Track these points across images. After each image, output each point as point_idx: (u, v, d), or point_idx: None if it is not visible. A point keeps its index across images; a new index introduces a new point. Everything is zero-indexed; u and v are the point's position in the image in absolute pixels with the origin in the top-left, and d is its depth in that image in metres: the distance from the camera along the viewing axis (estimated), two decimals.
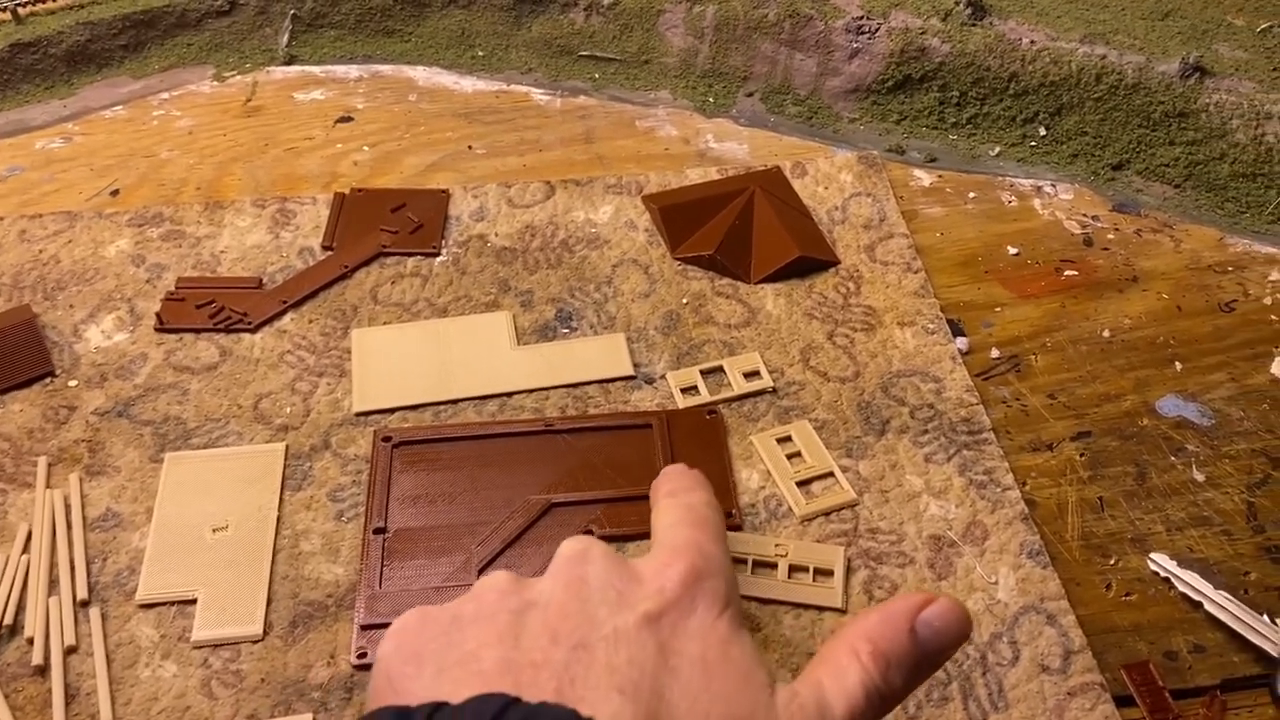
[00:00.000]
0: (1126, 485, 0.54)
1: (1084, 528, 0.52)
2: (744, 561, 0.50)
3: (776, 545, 0.50)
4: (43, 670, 0.46)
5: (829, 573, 0.49)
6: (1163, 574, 0.50)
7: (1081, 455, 0.55)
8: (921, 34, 0.73)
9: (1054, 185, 0.71)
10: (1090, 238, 0.67)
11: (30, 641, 0.46)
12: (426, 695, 0.29)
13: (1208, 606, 0.49)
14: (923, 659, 0.33)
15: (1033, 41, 0.72)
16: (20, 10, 0.77)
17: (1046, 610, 0.48)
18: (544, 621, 0.32)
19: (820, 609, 0.48)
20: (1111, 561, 0.51)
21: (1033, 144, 0.73)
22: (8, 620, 0.47)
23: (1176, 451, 0.55)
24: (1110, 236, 0.67)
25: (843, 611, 0.48)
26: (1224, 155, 0.69)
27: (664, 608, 0.32)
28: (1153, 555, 0.51)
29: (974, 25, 0.73)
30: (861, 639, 0.33)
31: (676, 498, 0.40)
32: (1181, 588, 0.50)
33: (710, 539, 0.37)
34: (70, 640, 0.46)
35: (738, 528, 0.51)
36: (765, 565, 0.50)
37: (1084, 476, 0.54)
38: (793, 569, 0.49)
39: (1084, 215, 0.69)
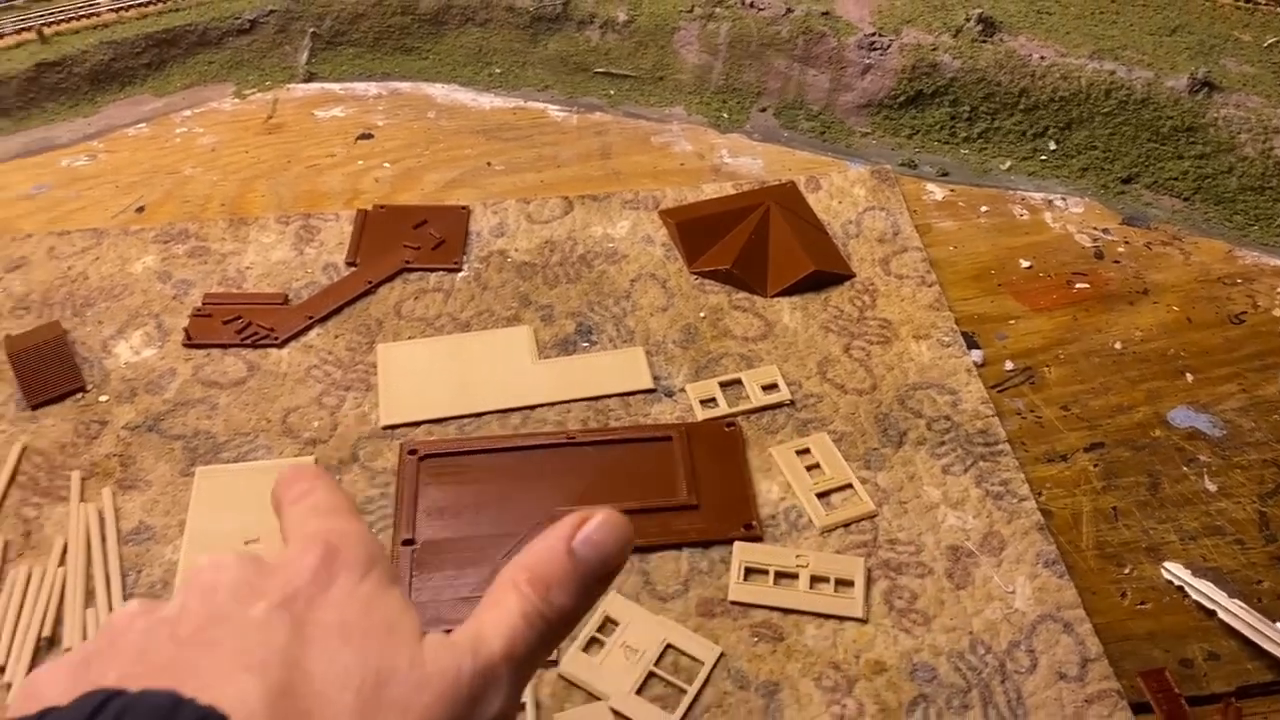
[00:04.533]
0: (1140, 495, 0.55)
1: (1098, 537, 0.53)
2: (765, 572, 0.51)
3: (798, 556, 0.51)
4: None
5: (849, 583, 0.50)
6: (1177, 583, 0.51)
7: (1095, 466, 0.56)
8: (933, 50, 0.74)
9: (1064, 199, 0.72)
10: (1101, 250, 0.68)
11: (69, 652, 0.47)
12: None
13: (1222, 615, 0.50)
14: (589, 575, 0.33)
15: (1043, 58, 0.73)
16: (45, 30, 0.78)
17: (1063, 619, 0.49)
18: (171, 632, 0.31)
19: (841, 619, 0.49)
20: (1126, 570, 0.52)
21: (1043, 158, 0.74)
22: (46, 632, 0.48)
23: (1189, 462, 0.56)
24: (1120, 249, 0.68)
25: (864, 621, 0.49)
26: (1232, 169, 0.70)
27: (297, 590, 0.32)
28: (1166, 564, 0.52)
29: (984, 42, 0.74)
30: (519, 569, 0.33)
31: (299, 504, 0.37)
32: (1195, 596, 0.51)
33: (343, 518, 0.35)
34: None
35: (758, 539, 0.52)
36: (787, 576, 0.51)
37: (1098, 487, 0.55)
38: (814, 579, 0.50)
39: (1094, 228, 0.70)
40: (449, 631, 0.31)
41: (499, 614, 0.32)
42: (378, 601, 0.32)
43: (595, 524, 0.34)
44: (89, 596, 0.50)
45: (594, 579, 0.34)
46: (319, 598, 0.31)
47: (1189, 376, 0.61)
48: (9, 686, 0.46)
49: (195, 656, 0.29)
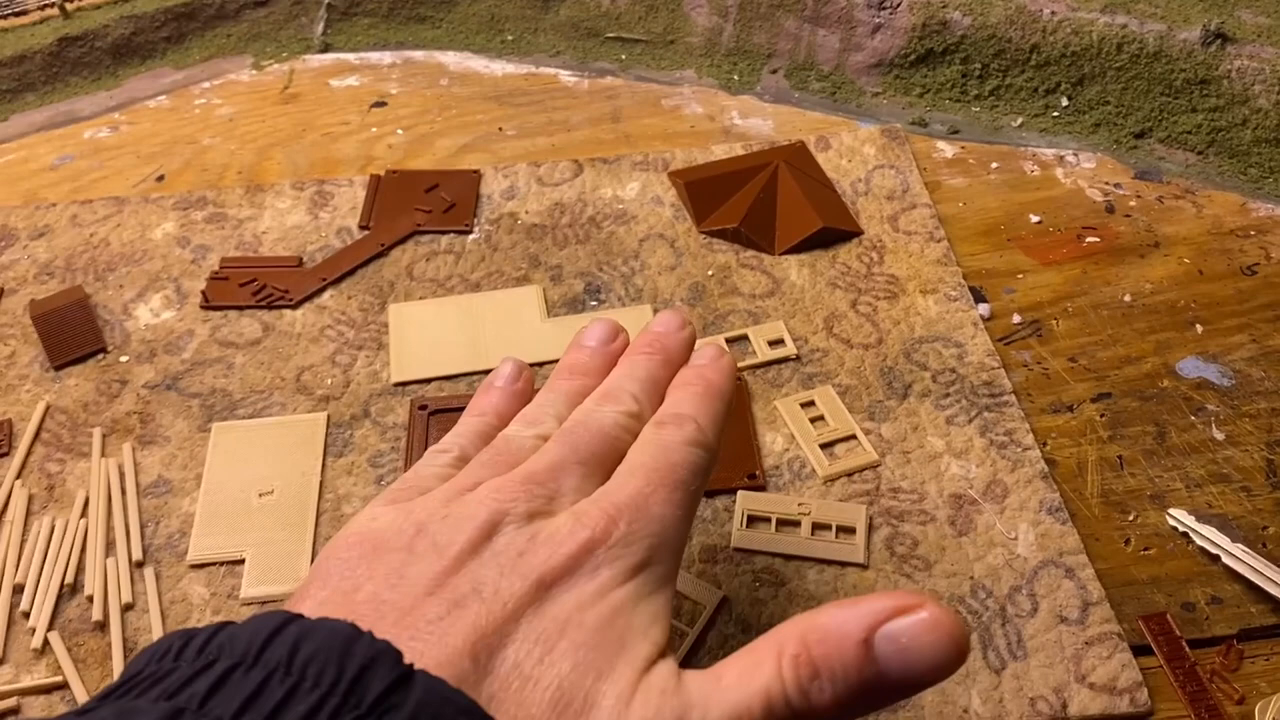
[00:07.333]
0: (1146, 444, 0.55)
1: (1103, 485, 0.53)
2: (768, 520, 0.51)
3: (800, 504, 0.52)
4: (102, 625, 0.48)
5: (851, 530, 0.51)
6: (1181, 529, 0.51)
7: (1102, 416, 0.56)
8: (943, 8, 0.74)
9: (1076, 154, 0.71)
10: (1112, 205, 0.68)
11: (90, 599, 0.49)
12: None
13: (1226, 559, 0.50)
14: (878, 681, 0.26)
15: (1053, 12, 0.73)
16: (67, 5, 0.80)
17: (1065, 564, 0.49)
18: (433, 568, 0.28)
19: (843, 564, 0.50)
20: (1130, 518, 0.52)
21: (1055, 114, 0.74)
22: (69, 579, 0.50)
23: (1196, 411, 0.56)
24: (1132, 203, 0.68)
25: (865, 567, 0.50)
26: (1246, 121, 0.69)
27: (559, 574, 0.28)
28: (1171, 511, 0.52)
29: None
30: (794, 638, 0.27)
31: (663, 429, 0.34)
32: (1200, 542, 0.51)
33: (661, 497, 0.31)
34: (127, 598, 0.49)
35: (761, 488, 0.53)
36: (789, 523, 0.51)
37: (1104, 436, 0.55)
38: (816, 527, 0.51)
39: (1106, 183, 0.69)
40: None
41: (742, 683, 0.26)
42: (626, 610, 0.28)
43: (913, 624, 0.26)
44: (109, 546, 0.51)
45: (889, 690, 0.26)
46: (572, 590, 0.28)
47: (1199, 328, 0.60)
48: (33, 631, 0.48)
49: (437, 612, 0.27)
